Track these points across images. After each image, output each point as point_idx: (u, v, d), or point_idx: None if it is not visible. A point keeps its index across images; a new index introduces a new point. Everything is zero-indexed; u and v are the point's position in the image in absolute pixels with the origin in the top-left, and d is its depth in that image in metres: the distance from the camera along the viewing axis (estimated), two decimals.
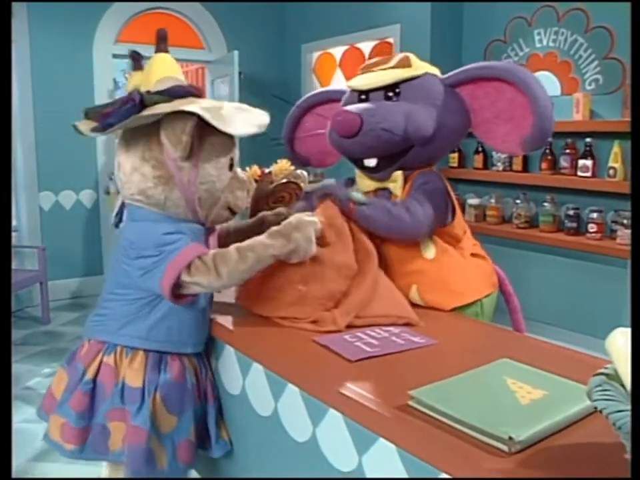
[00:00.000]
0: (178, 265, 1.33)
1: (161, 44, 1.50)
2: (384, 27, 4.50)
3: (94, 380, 1.42)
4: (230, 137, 1.44)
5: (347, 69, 5.04)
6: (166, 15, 4.82)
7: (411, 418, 0.99)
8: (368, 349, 1.26)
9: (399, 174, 1.66)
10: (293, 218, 1.45)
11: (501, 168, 3.85)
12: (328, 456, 1.19)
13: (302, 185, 2.03)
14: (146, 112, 1.33)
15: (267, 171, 2.08)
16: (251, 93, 5.14)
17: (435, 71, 1.70)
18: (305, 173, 2.15)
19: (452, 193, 1.68)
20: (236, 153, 1.50)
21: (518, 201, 3.74)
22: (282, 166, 2.11)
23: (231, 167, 1.47)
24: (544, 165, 3.62)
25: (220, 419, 1.55)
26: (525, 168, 3.77)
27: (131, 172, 1.40)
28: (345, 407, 1.10)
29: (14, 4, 4.09)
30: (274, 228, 1.43)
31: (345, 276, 1.49)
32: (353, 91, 1.76)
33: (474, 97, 1.64)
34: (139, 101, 1.34)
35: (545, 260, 3.64)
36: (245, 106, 1.49)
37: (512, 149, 1.63)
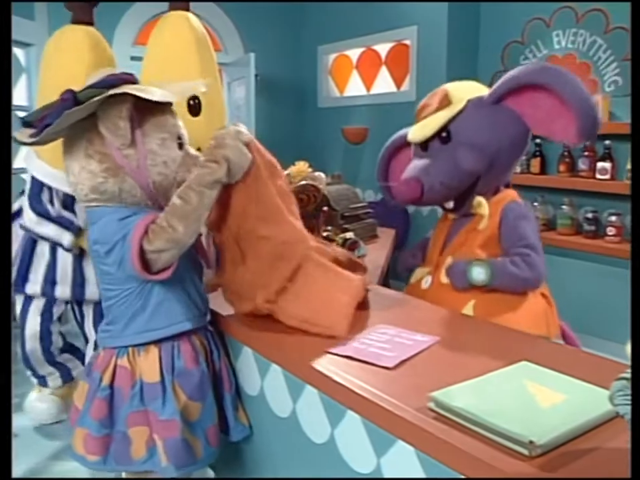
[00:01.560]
0: (136, 236, 1.31)
1: None
2: (400, 29, 4.50)
3: (111, 386, 1.42)
4: (170, 115, 1.44)
5: (364, 71, 5.04)
6: None
7: (431, 420, 0.99)
8: (389, 353, 1.26)
9: (479, 200, 1.73)
10: (213, 138, 1.41)
11: (518, 170, 3.82)
12: (346, 458, 1.19)
13: (320, 186, 2.03)
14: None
15: (285, 173, 2.09)
16: (267, 95, 5.16)
17: (475, 89, 1.75)
18: (322, 174, 2.15)
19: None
20: (182, 131, 1.48)
21: (536, 204, 3.72)
22: (300, 168, 2.12)
23: (180, 145, 1.46)
24: (562, 167, 3.59)
25: (238, 401, 1.55)
26: (543, 170, 3.74)
27: (79, 171, 1.38)
28: (363, 408, 1.11)
29: (35, 6, 4.14)
30: (201, 157, 1.42)
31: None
32: None
33: (520, 104, 1.67)
34: (73, 99, 1.32)
35: (563, 263, 3.61)
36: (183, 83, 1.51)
37: (574, 140, 1.63)
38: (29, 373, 2.44)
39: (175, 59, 1.98)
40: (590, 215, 3.47)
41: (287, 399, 1.36)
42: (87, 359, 1.81)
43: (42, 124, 1.33)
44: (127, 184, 1.38)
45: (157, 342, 1.42)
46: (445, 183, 1.70)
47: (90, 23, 2.19)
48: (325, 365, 1.22)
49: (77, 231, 2.13)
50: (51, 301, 2.29)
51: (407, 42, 4.50)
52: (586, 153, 3.46)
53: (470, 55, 4.18)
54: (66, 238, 2.13)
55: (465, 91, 1.73)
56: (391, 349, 1.28)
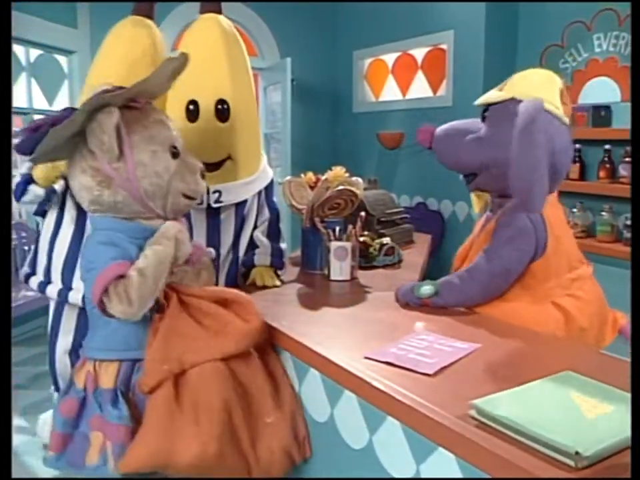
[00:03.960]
0: (97, 287, 1.34)
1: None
2: (437, 33, 4.48)
3: (84, 388, 1.47)
4: (161, 125, 1.46)
5: (399, 75, 5.03)
6: None
7: (473, 428, 0.98)
8: (428, 360, 1.25)
9: (473, 197, 1.76)
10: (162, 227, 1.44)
11: None
12: (385, 464, 1.19)
13: (357, 191, 2.04)
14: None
15: (323, 177, 2.10)
16: (303, 100, 5.18)
17: (541, 88, 1.63)
18: (359, 179, 2.15)
19: (540, 230, 1.59)
20: (176, 139, 1.49)
21: (574, 210, 3.66)
22: (337, 173, 2.13)
23: (175, 154, 1.47)
24: (602, 174, 3.53)
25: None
26: (582, 176, 3.68)
27: (79, 187, 1.44)
28: (403, 415, 1.10)
29: (78, 15, 4.24)
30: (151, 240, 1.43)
31: None
32: None
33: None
34: (71, 114, 1.36)
35: (603, 271, 3.52)
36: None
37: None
38: (52, 387, 2.42)
39: (203, 63, 1.94)
40: (630, 222, 3.40)
41: (325, 403, 1.36)
42: None
43: (31, 134, 1.36)
44: (119, 196, 1.42)
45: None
46: (442, 157, 1.73)
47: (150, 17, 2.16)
48: (364, 370, 1.22)
49: (30, 178, 1.94)
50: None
51: (444, 46, 4.48)
52: (627, 159, 3.39)
53: (508, 59, 4.14)
54: (31, 190, 1.94)
55: (523, 90, 1.62)
56: (431, 356, 1.27)
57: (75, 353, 2.20)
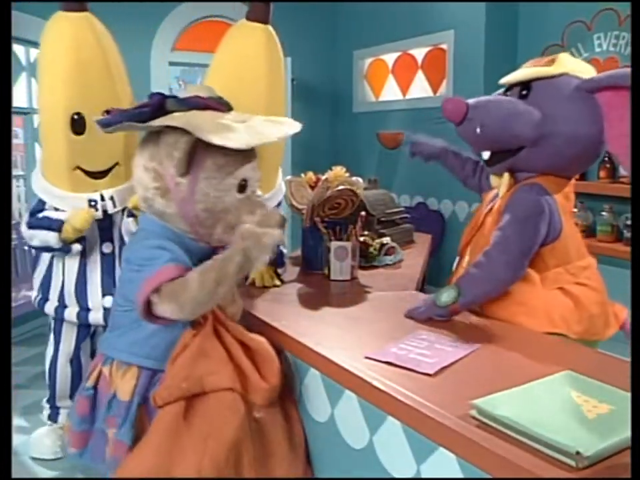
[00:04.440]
0: (148, 285, 1.28)
1: None
2: (437, 33, 4.48)
3: (95, 387, 1.46)
4: (242, 156, 1.37)
5: (400, 75, 5.03)
6: (222, 23, 4.90)
7: (474, 428, 0.98)
8: (429, 360, 1.25)
9: (506, 177, 1.63)
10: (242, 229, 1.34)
11: None
12: (385, 464, 1.19)
13: (357, 191, 2.04)
14: (151, 122, 1.32)
15: (323, 177, 2.10)
16: (303, 99, 5.18)
17: (584, 71, 1.60)
18: (360, 179, 2.15)
19: (554, 213, 1.56)
20: (252, 173, 1.41)
21: (575, 210, 3.65)
22: (337, 172, 2.12)
23: (243, 187, 1.39)
24: (602, 174, 3.53)
25: None
26: (582, 176, 3.67)
27: (138, 179, 1.41)
28: (404, 414, 1.10)
29: None
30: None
31: None
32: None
33: (611, 106, 1.50)
34: (158, 105, 1.32)
35: (603, 270, 3.52)
36: (276, 118, 1.43)
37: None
38: (45, 401, 2.39)
39: (241, 74, 1.90)
40: (630, 222, 3.40)
41: (326, 403, 1.36)
42: None
43: (114, 116, 1.35)
44: (170, 208, 1.37)
45: (139, 366, 1.43)
46: (483, 126, 1.59)
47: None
48: (364, 370, 1.22)
49: (60, 225, 2.05)
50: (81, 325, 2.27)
51: (444, 46, 4.48)
52: None
53: (508, 59, 4.13)
54: (51, 237, 2.06)
55: (574, 67, 1.60)
56: (431, 356, 1.27)
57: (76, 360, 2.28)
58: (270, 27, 1.96)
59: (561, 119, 1.54)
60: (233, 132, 1.32)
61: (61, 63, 2.05)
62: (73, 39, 2.06)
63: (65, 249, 2.11)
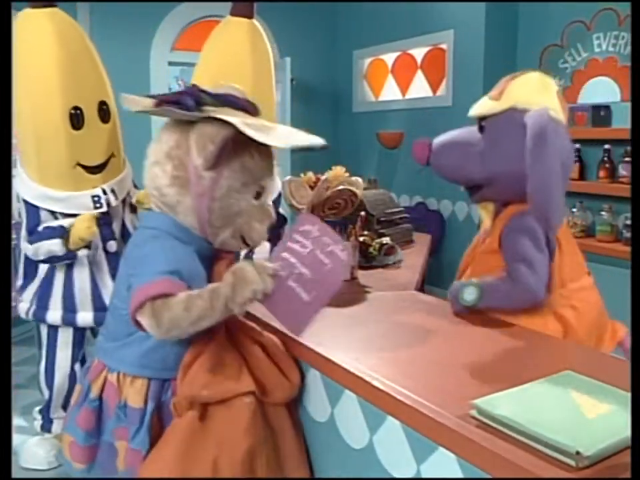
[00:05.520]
0: (136, 298, 1.25)
1: None
2: (437, 33, 4.49)
3: (100, 397, 1.39)
4: (267, 164, 1.37)
5: (399, 75, 5.03)
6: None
7: (474, 428, 0.98)
8: (304, 295, 1.26)
9: (488, 206, 1.67)
10: (236, 270, 1.29)
11: None
12: (385, 464, 1.19)
13: (357, 191, 2.03)
14: (190, 112, 1.29)
15: (322, 177, 2.09)
16: (303, 99, 5.18)
17: (538, 92, 1.59)
18: (359, 179, 2.15)
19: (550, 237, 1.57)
20: (270, 183, 1.41)
21: (574, 210, 3.66)
22: (337, 172, 2.12)
23: (259, 195, 1.38)
24: (601, 173, 3.54)
25: None
26: (582, 176, 3.69)
27: (153, 164, 1.36)
28: (404, 414, 1.10)
29: (78, 14, 4.23)
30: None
31: None
32: None
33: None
34: (196, 96, 1.30)
35: (602, 270, 3.52)
36: (300, 131, 1.40)
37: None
38: (37, 412, 2.35)
39: (227, 69, 1.93)
40: (630, 222, 3.40)
41: (326, 403, 1.36)
42: None
43: (164, 95, 1.30)
44: (186, 201, 1.33)
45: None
46: (440, 172, 1.69)
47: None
48: (364, 370, 1.22)
49: (64, 233, 2.02)
50: (77, 331, 2.23)
51: (443, 46, 4.49)
52: (627, 159, 3.39)
53: (507, 59, 4.14)
54: (55, 245, 2.03)
55: (521, 96, 1.58)
56: (308, 283, 1.26)
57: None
58: (255, 22, 2.01)
59: (505, 159, 1.56)
60: (272, 133, 1.30)
61: (51, 58, 2.01)
62: (57, 33, 2.02)
63: (70, 256, 2.08)
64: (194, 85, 1.37)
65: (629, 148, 3.38)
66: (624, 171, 3.40)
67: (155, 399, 1.37)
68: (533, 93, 1.59)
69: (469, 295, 1.55)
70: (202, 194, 1.32)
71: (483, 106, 1.64)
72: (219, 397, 1.31)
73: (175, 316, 1.23)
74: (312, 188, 2.13)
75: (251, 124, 1.28)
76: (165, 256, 1.30)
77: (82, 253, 2.09)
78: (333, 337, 1.44)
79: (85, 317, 2.17)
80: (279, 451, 1.38)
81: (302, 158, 4.80)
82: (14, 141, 2.12)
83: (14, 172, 2.17)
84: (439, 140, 1.70)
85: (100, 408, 1.39)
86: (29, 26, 2.04)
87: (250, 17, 2.01)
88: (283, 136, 1.37)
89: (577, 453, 0.85)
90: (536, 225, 1.54)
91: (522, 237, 1.55)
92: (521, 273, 1.51)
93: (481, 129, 1.64)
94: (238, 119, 1.27)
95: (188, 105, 1.29)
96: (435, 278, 3.73)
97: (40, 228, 2.09)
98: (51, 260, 2.10)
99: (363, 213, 2.10)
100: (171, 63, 4.87)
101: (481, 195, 1.67)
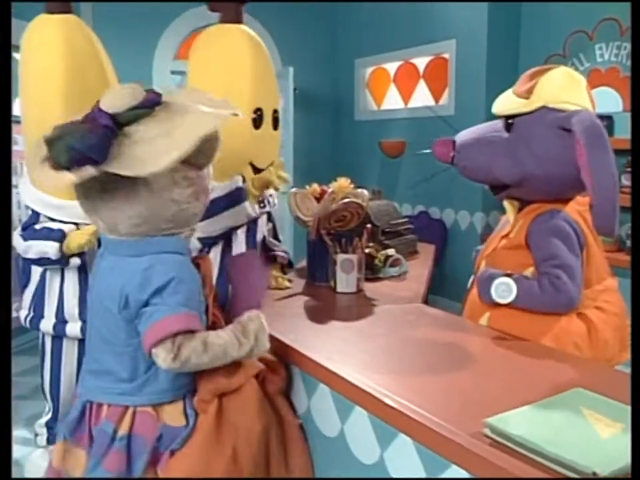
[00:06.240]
0: (157, 331, 1.24)
1: None
2: (439, 42, 4.50)
3: (129, 435, 1.29)
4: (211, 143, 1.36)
5: (401, 84, 5.04)
6: None
7: (486, 446, 0.98)
8: None
9: (514, 201, 1.65)
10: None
11: None
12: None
13: (363, 204, 2.04)
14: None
15: (328, 189, 2.10)
16: (305, 108, 5.19)
17: (568, 89, 1.55)
18: (365, 191, 2.15)
19: (580, 235, 1.56)
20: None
21: None
22: (342, 184, 2.13)
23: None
24: None
25: None
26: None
27: (161, 204, 1.30)
28: (415, 431, 1.10)
29: (81, 15, 4.22)
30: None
31: None
32: None
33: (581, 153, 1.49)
34: (111, 121, 1.18)
35: None
36: (204, 97, 1.34)
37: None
38: (42, 425, 2.29)
39: (227, 75, 1.95)
40: (631, 232, 3.40)
41: (335, 418, 1.35)
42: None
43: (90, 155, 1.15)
44: (199, 208, 1.38)
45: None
46: (467, 171, 1.66)
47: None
48: (375, 387, 1.21)
49: (60, 236, 1.96)
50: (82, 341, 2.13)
51: (446, 55, 4.50)
52: (629, 169, 3.40)
53: (510, 68, 4.15)
54: (50, 247, 1.96)
55: (552, 93, 1.53)
56: None
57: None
58: (245, 27, 2.04)
59: (538, 160, 1.54)
60: (174, 132, 1.26)
61: (58, 66, 1.98)
62: (66, 40, 2.01)
63: (62, 262, 2.02)
64: (101, 112, 1.21)
65: (631, 158, 3.38)
66: (626, 181, 3.40)
67: (194, 412, 1.34)
68: (564, 90, 1.55)
69: (503, 293, 1.53)
70: (205, 191, 1.41)
71: (511, 104, 1.59)
72: (237, 383, 1.36)
73: (193, 355, 1.25)
74: (317, 200, 2.14)
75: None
76: (184, 284, 1.28)
77: (74, 261, 2.04)
78: (342, 351, 1.44)
79: (73, 327, 2.12)
80: (285, 435, 1.44)
81: (304, 166, 4.81)
82: (20, 148, 2.09)
83: (20, 180, 2.15)
84: (462, 138, 1.67)
85: (129, 445, 1.29)
86: (39, 31, 2.04)
87: (239, 22, 2.04)
88: (185, 132, 1.23)
89: (594, 473, 0.85)
90: (569, 227, 1.53)
91: (557, 239, 1.52)
92: (563, 281, 1.49)
93: (508, 127, 1.60)
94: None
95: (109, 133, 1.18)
96: (437, 287, 3.72)
97: (38, 226, 2.05)
98: (40, 261, 2.03)
99: (369, 225, 2.09)
100: (173, 72, 4.88)
101: (507, 193, 1.64)
